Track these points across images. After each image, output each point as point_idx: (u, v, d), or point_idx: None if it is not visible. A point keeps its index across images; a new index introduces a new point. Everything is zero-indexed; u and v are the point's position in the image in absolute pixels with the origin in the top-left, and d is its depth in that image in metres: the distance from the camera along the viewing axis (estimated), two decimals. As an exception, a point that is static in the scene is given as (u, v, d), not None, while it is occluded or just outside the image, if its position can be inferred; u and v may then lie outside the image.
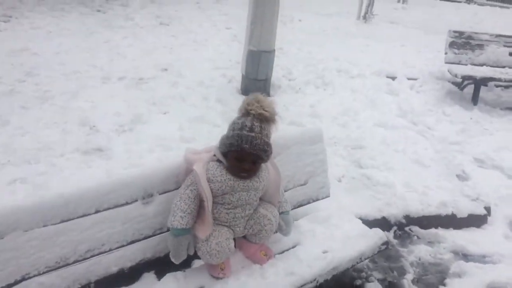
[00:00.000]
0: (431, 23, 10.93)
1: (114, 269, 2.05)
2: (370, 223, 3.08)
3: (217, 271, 2.10)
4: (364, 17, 10.10)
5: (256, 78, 5.24)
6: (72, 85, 5.61)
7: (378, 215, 3.20)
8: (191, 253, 2.03)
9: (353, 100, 5.23)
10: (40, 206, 1.83)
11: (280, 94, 5.41)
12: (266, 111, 2.01)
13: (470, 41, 5.99)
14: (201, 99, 5.25)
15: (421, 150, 4.17)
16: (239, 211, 2.07)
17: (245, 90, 5.38)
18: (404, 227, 3.26)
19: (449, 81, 6.11)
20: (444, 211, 3.31)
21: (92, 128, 4.48)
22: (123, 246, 2.05)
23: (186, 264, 2.21)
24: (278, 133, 2.68)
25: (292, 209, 2.58)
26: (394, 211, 3.25)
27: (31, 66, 6.04)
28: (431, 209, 3.30)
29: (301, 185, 2.62)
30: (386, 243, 2.48)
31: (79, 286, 1.98)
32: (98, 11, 9.60)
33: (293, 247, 2.36)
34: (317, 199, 2.71)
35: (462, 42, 5.96)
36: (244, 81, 5.39)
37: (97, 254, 1.98)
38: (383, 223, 3.19)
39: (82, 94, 5.32)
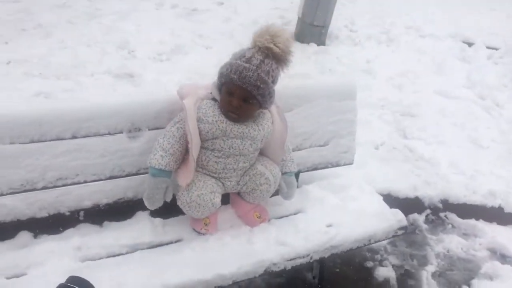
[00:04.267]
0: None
1: (87, 203, 1.85)
2: (399, 202, 2.73)
3: (200, 225, 1.85)
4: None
5: (313, 23, 4.77)
6: (124, 5, 5.43)
7: (411, 194, 2.80)
8: (168, 199, 1.77)
9: (417, 61, 4.63)
10: (9, 120, 1.63)
11: (337, 45, 4.91)
12: (276, 46, 1.66)
13: None
14: (250, 38, 4.89)
15: (483, 128, 3.61)
16: (231, 161, 1.78)
17: (299, 35, 4.94)
18: (439, 212, 2.84)
19: (536, 56, 5.28)
20: (490, 202, 2.84)
21: (130, 53, 4.33)
22: (100, 180, 1.84)
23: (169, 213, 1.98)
24: (302, 82, 2.33)
25: (305, 171, 2.27)
26: (432, 192, 2.83)
27: (90, -18, 5.89)
28: (476, 198, 2.85)
29: (320, 146, 2.27)
30: (405, 228, 2.10)
31: (47, 214, 1.81)
32: None
33: (295, 214, 2.06)
34: (337, 165, 2.35)
35: None
36: (299, 25, 4.93)
37: (70, 184, 1.79)
38: (415, 204, 2.80)
39: (131, 17, 5.15)
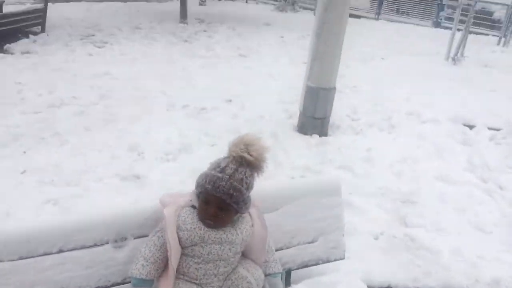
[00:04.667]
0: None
1: (72, 318, 1.90)
2: (400, 295, 2.66)
3: (184, 336, 1.86)
4: (453, 59, 9.31)
5: (314, 116, 4.98)
6: (138, 109, 5.72)
7: (411, 286, 2.73)
8: (150, 310, 1.82)
9: (416, 147, 4.71)
10: (-1, 239, 1.75)
11: (338, 135, 5.07)
12: (250, 155, 1.77)
13: None
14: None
15: (485, 212, 3.57)
16: (211, 267, 1.83)
17: (301, 128, 5.14)
18: (442, 305, 2.74)
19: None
20: (495, 292, 2.74)
21: (139, 155, 4.50)
22: (86, 292, 1.90)
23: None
24: (287, 182, 2.42)
25: (295, 269, 2.29)
26: (432, 283, 2.75)
27: (107, 89, 6.32)
28: (479, 287, 2.75)
29: (309, 242, 2.30)
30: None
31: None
32: (185, 41, 9.96)
33: (282, 316, 2.05)
34: (328, 261, 2.37)
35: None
36: (301, 118, 5.15)
37: (55, 299, 1.85)
38: (417, 297, 2.72)
39: (144, 120, 5.40)
